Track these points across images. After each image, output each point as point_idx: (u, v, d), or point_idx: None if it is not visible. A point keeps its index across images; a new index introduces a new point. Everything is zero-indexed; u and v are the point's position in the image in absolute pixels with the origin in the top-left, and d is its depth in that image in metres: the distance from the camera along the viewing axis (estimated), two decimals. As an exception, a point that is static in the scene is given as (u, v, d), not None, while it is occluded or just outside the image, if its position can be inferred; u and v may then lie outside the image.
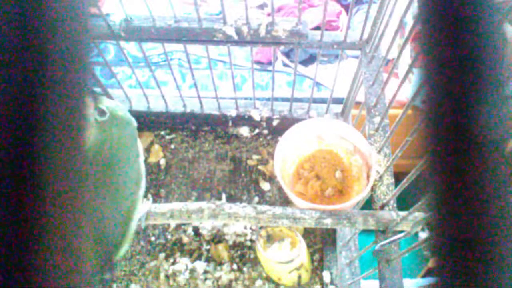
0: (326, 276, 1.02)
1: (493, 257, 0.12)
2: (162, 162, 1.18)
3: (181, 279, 1.03)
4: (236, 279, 1.03)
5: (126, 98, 1.15)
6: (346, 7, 1.65)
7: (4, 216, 0.11)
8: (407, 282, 1.31)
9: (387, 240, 0.67)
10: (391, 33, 0.74)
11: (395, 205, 0.73)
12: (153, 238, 1.09)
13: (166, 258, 1.06)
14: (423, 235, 1.44)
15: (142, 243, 1.09)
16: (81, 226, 0.12)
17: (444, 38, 0.13)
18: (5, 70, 0.11)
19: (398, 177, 0.72)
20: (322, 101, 1.22)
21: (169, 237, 1.09)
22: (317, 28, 1.34)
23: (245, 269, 1.04)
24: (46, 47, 0.12)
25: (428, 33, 0.13)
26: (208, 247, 1.07)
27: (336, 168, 0.94)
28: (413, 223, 0.60)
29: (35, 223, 0.11)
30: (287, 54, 1.60)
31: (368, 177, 0.82)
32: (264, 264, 1.02)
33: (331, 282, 1.02)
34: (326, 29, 0.89)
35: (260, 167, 1.17)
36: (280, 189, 1.14)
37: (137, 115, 1.16)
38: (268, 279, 1.03)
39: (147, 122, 1.20)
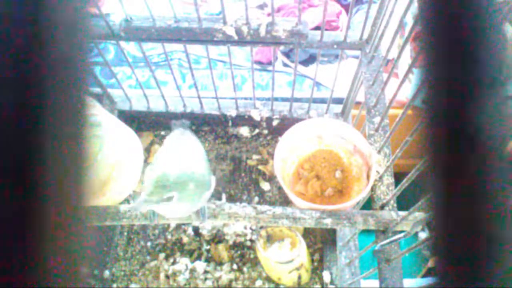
0: (326, 276, 1.02)
1: (493, 257, 0.12)
2: (162, 162, 1.18)
3: (181, 279, 1.03)
4: (236, 279, 1.03)
5: (126, 98, 1.15)
6: (346, 7, 1.65)
7: (5, 217, 0.11)
8: (407, 282, 1.31)
9: (387, 240, 0.67)
10: (391, 33, 0.74)
11: (395, 205, 0.73)
12: (153, 238, 1.09)
13: (166, 258, 1.06)
14: (423, 235, 1.44)
15: (142, 243, 1.09)
16: (81, 227, 0.12)
17: (444, 38, 0.13)
18: (5, 70, 0.11)
19: (398, 177, 0.72)
20: (322, 101, 1.22)
21: (169, 237, 1.09)
22: (317, 28, 1.34)
23: (245, 269, 1.04)
24: (46, 47, 0.12)
25: (428, 33, 0.13)
26: (208, 247, 1.07)
27: (336, 168, 0.93)
28: (413, 223, 0.60)
29: (36, 225, 0.11)
30: (287, 54, 1.60)
31: (368, 177, 0.82)
32: (264, 264, 1.02)
33: (331, 282, 1.02)
34: (326, 29, 0.88)
35: (260, 167, 1.17)
36: (280, 189, 1.14)
37: (137, 115, 1.17)
38: (268, 279, 1.03)
39: (147, 122, 1.20)
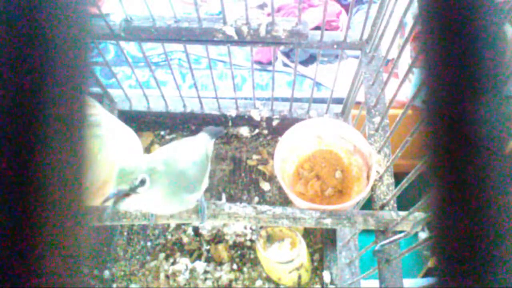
0: (326, 276, 1.02)
1: (493, 257, 0.12)
2: (162, 162, 1.18)
3: (181, 279, 1.02)
4: (236, 279, 1.03)
5: (126, 98, 1.15)
6: (346, 7, 1.65)
7: (6, 218, 0.11)
8: (407, 282, 1.31)
9: (387, 240, 0.67)
10: (391, 33, 0.74)
11: (395, 205, 0.72)
12: (153, 238, 1.09)
13: (166, 258, 1.06)
14: (423, 235, 1.44)
15: (142, 243, 1.09)
16: (81, 227, 0.12)
17: (444, 38, 0.13)
18: (6, 70, 0.11)
19: (398, 177, 0.72)
20: (322, 101, 1.22)
21: (169, 237, 1.09)
22: (317, 28, 1.34)
23: (245, 269, 1.04)
24: (46, 47, 0.12)
25: (428, 33, 0.13)
26: (208, 247, 1.07)
27: (336, 168, 0.93)
28: (413, 223, 0.60)
29: (36, 225, 0.11)
30: (287, 54, 1.61)
31: (368, 177, 0.82)
32: (264, 264, 1.02)
33: (331, 282, 1.02)
34: (326, 29, 0.88)
35: (260, 167, 1.17)
36: (280, 189, 1.14)
37: (137, 115, 1.17)
38: (268, 279, 1.03)
39: (147, 122, 1.20)
